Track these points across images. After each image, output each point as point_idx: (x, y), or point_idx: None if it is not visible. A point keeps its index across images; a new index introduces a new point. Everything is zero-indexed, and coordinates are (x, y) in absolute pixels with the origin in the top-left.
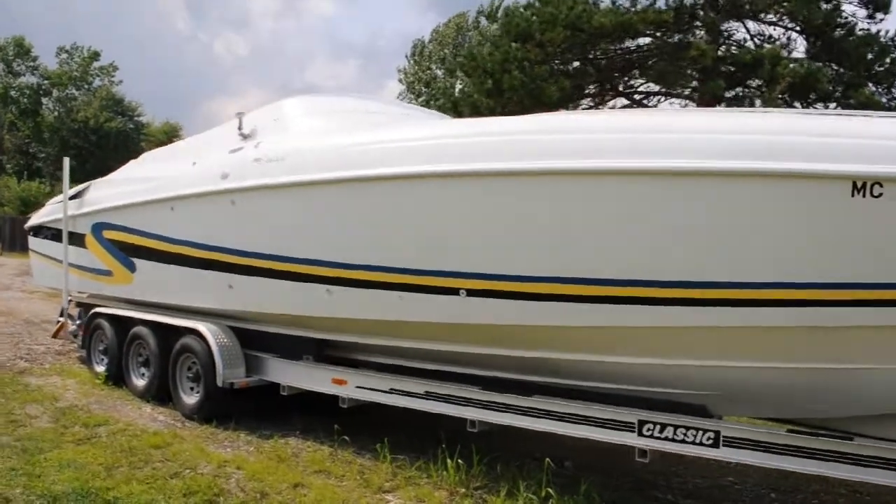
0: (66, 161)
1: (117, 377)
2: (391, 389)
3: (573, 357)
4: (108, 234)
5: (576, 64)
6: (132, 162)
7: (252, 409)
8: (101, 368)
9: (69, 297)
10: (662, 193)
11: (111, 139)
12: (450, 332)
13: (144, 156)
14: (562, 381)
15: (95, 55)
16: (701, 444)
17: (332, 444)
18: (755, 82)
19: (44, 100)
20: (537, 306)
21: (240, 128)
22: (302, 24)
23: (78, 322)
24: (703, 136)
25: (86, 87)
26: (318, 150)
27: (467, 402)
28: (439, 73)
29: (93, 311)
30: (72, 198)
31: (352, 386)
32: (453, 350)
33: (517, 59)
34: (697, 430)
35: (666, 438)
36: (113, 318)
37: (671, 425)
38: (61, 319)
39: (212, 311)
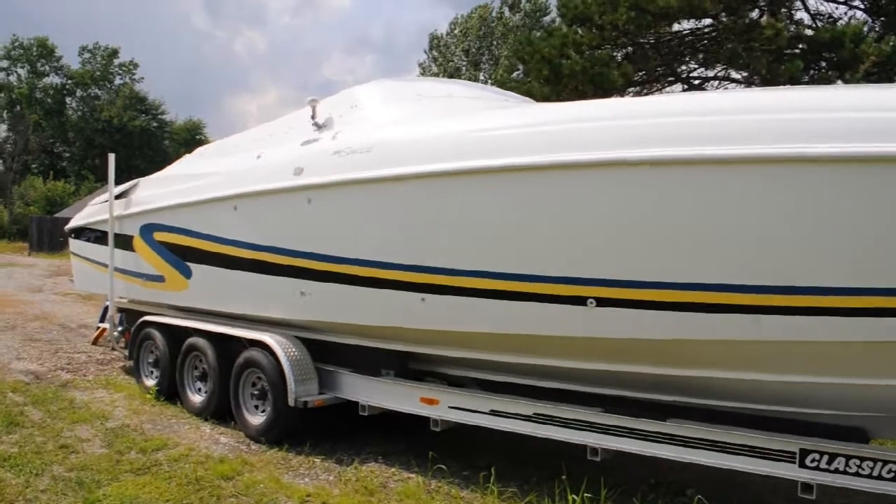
0: (112, 158)
1: (170, 392)
2: (492, 411)
3: (713, 374)
4: (160, 237)
5: (629, 48)
6: (184, 158)
7: (324, 428)
8: (151, 382)
9: (107, 302)
10: (838, 181)
11: (135, 138)
12: (570, 347)
13: (199, 151)
14: (693, 401)
15: (115, 52)
16: (880, 477)
17: (423, 471)
18: (831, 63)
19: (67, 99)
20: (677, 317)
21: (313, 117)
22: (318, 19)
23: (120, 328)
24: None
25: (108, 85)
26: (417, 140)
27: (587, 425)
28: (462, 65)
29: (141, 319)
30: (117, 197)
31: (444, 406)
32: (572, 366)
33: (575, 44)
34: (876, 461)
35: (836, 471)
36: (165, 328)
37: (842, 455)
38: (101, 325)
39: (279, 320)
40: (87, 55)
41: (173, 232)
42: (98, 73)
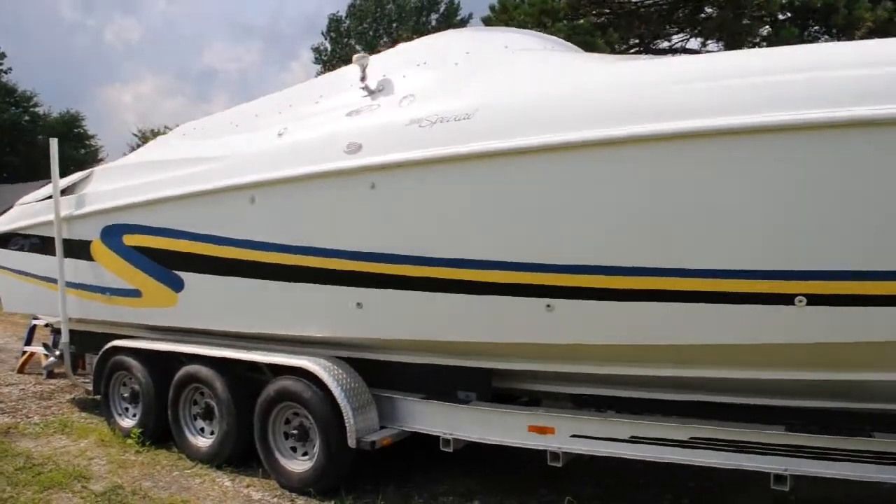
0: (55, 143)
1: (157, 434)
2: (633, 437)
3: None
4: (133, 241)
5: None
6: (159, 139)
7: (381, 464)
8: (129, 423)
9: (34, 322)
10: None
11: (5, 133)
12: (764, 354)
13: (178, 131)
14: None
15: None
16: None
17: None
18: (820, 29)
19: None
20: None
21: (363, 79)
22: (196, 6)
23: (58, 353)
24: None
25: None
26: (546, 101)
27: (767, 448)
28: (359, 48)
29: (111, 345)
30: (63, 193)
31: (564, 435)
32: (755, 377)
33: (553, 11)
34: None
35: None
36: (147, 355)
37: None
38: (28, 349)
39: (321, 339)
40: None
41: (154, 234)
42: None
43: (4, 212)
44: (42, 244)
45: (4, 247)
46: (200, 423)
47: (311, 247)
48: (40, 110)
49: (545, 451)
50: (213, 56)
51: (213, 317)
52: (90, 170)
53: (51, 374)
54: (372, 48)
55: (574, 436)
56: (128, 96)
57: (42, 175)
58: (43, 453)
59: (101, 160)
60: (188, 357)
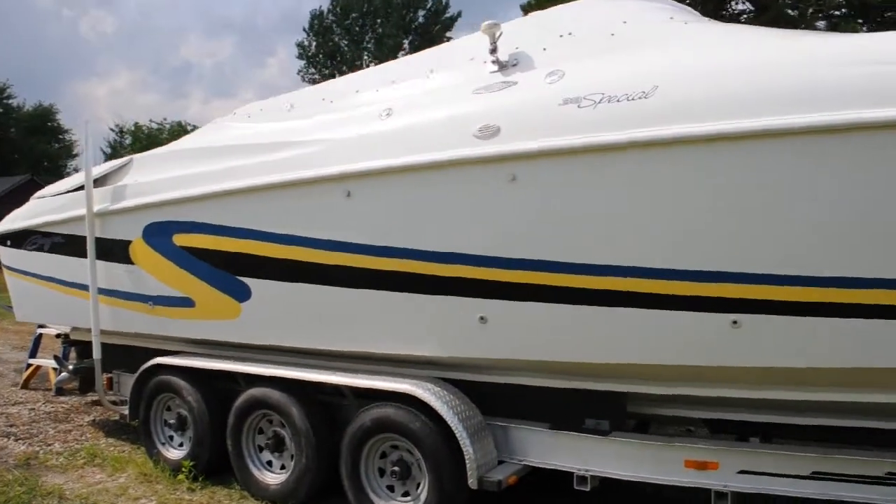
0: (87, 124)
1: (210, 466)
2: (815, 473)
3: None
4: (185, 241)
5: None
6: (215, 122)
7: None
8: (175, 454)
9: (39, 331)
10: None
11: None
12: None
13: (244, 111)
14: None
15: None
16: None
17: None
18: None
19: None
20: None
21: (494, 51)
22: None
23: (72, 367)
24: None
25: None
26: (749, 75)
27: None
28: (343, 44)
29: (153, 362)
30: (95, 184)
31: (729, 470)
32: None
33: None
34: None
35: None
36: (200, 376)
37: None
38: (34, 362)
39: (423, 358)
40: None
41: (214, 234)
42: None
43: None
44: (66, 244)
45: (18, 247)
46: (267, 456)
47: (423, 250)
48: (13, 102)
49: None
50: (189, 50)
51: (287, 332)
52: (128, 157)
53: (60, 392)
54: (358, 44)
55: (742, 472)
56: (102, 90)
57: (15, 170)
58: (78, 492)
59: (76, 155)
60: (246, 379)
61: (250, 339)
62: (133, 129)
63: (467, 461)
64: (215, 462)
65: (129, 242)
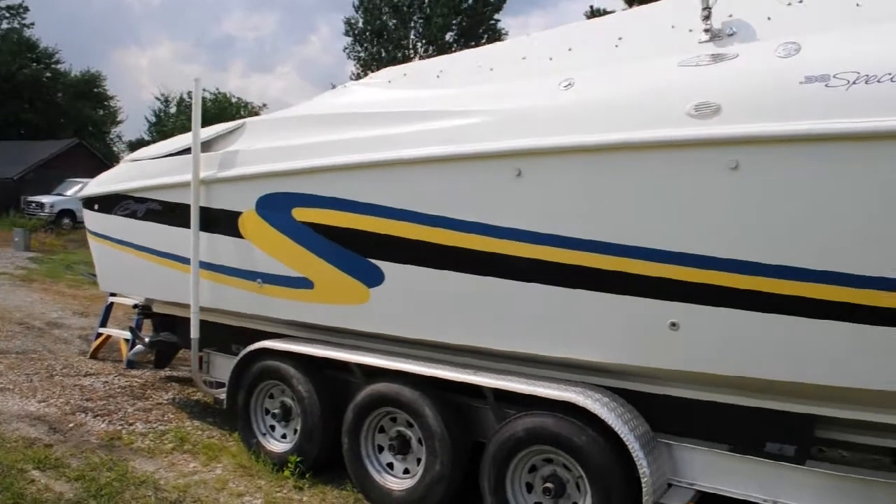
0: (199, 81)
1: (318, 463)
2: None
3: None
4: (306, 216)
5: None
6: (347, 85)
7: None
8: (278, 447)
9: (111, 300)
10: None
11: (26, 89)
12: None
13: (384, 75)
14: None
15: None
16: None
17: None
18: None
19: None
20: None
21: (707, 17)
22: None
23: (148, 340)
24: None
25: None
26: None
27: None
28: (391, 22)
29: (259, 345)
30: (203, 148)
31: None
32: None
33: None
34: None
35: None
36: (313, 365)
37: None
38: (105, 331)
39: (590, 364)
40: None
41: (344, 210)
42: None
43: (27, 170)
44: (164, 211)
45: (107, 212)
46: (388, 458)
47: (606, 243)
48: (61, 67)
49: None
50: (232, 24)
51: (424, 323)
52: (241, 121)
53: (132, 364)
54: (405, 23)
55: None
56: (144, 60)
57: (61, 134)
58: (174, 483)
59: (121, 122)
60: (365, 373)
61: (378, 328)
62: (180, 99)
63: (643, 483)
64: (323, 459)
65: (238, 214)
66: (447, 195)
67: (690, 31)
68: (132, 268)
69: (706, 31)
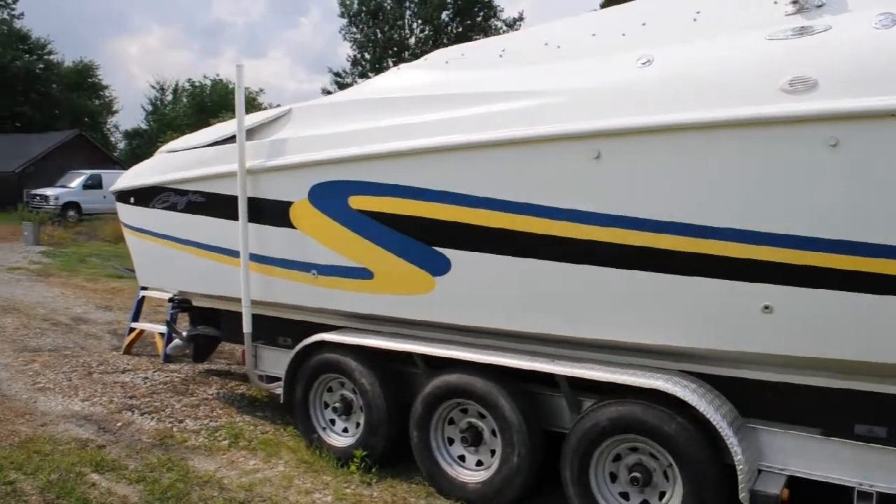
0: (241, 68)
1: (385, 456)
2: None
3: None
4: (364, 204)
5: None
6: (400, 68)
7: None
8: (340, 441)
9: (142, 293)
10: None
11: (18, 80)
12: None
13: (438, 56)
14: None
15: None
16: None
17: None
18: None
19: None
20: None
21: None
22: None
23: (186, 333)
24: None
25: None
26: None
27: None
28: (387, 3)
29: (316, 338)
30: (248, 136)
31: None
32: None
33: None
34: None
35: None
36: (375, 357)
37: None
38: (138, 326)
39: (673, 349)
40: None
41: (404, 197)
42: None
43: (28, 163)
44: (207, 203)
45: (145, 205)
46: (459, 450)
47: (692, 224)
48: (54, 58)
49: None
50: (222, 7)
51: (496, 312)
52: (286, 107)
53: (168, 359)
54: (401, 3)
55: None
56: (134, 48)
57: (57, 126)
58: (238, 482)
59: (116, 112)
60: (427, 363)
61: (445, 317)
62: (175, 87)
63: (739, 471)
64: (388, 452)
65: (289, 204)
66: (518, 180)
67: (776, 2)
68: (174, 262)
69: (793, 2)
